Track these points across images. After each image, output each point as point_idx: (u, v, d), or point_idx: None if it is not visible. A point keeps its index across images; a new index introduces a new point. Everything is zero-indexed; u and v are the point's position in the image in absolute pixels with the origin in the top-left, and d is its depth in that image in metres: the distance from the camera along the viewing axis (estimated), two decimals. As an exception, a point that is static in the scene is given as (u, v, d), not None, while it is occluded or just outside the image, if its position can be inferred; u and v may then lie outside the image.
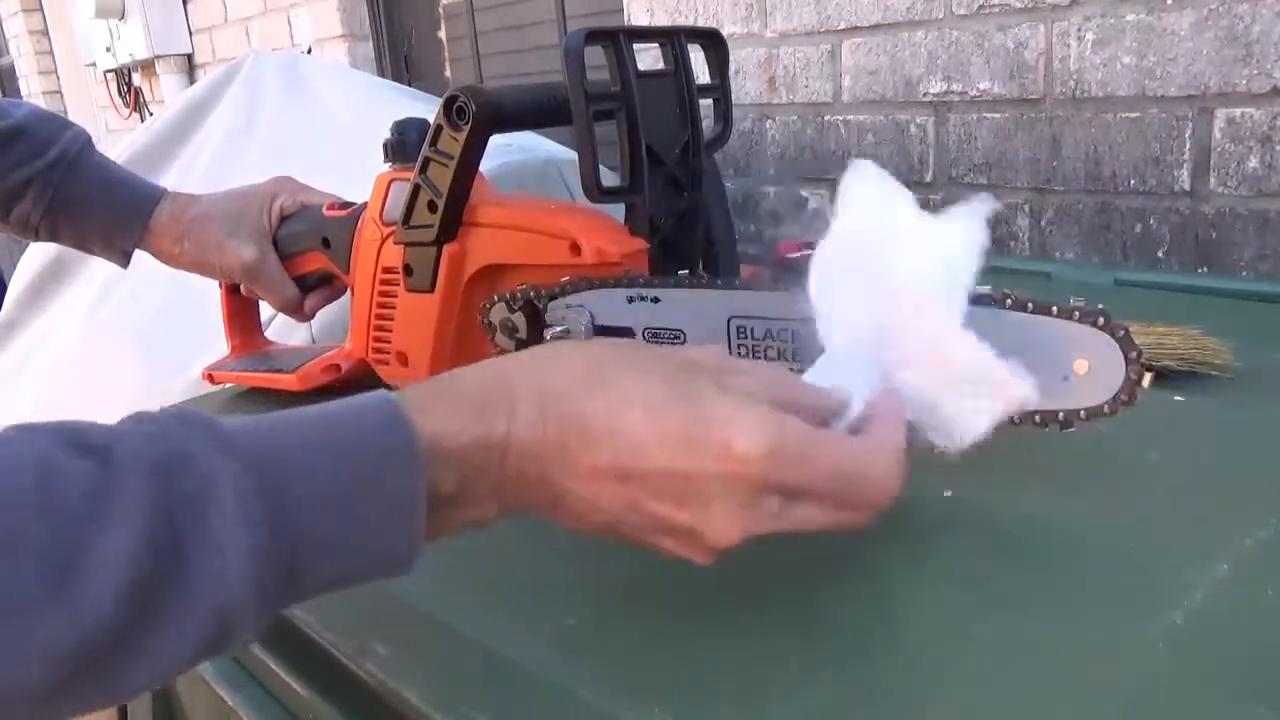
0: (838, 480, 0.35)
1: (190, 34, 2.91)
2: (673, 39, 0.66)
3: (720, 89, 0.70)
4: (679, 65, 0.66)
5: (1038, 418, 0.45)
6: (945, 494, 0.48)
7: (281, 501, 0.29)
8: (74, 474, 0.27)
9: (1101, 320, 0.43)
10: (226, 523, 0.28)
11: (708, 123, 0.69)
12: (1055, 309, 0.44)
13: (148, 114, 3.12)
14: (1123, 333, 0.43)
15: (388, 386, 0.72)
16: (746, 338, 0.52)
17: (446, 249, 0.65)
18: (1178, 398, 0.58)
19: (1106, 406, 0.44)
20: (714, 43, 0.70)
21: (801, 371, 0.44)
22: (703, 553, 0.35)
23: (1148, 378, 0.43)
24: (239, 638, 0.29)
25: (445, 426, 0.33)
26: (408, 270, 0.68)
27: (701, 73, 0.69)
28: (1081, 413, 0.44)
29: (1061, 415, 0.45)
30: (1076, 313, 0.43)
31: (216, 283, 0.83)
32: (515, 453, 0.34)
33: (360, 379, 0.73)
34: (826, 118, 1.29)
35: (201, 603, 0.27)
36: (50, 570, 0.25)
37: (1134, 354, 0.43)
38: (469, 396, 0.34)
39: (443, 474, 0.33)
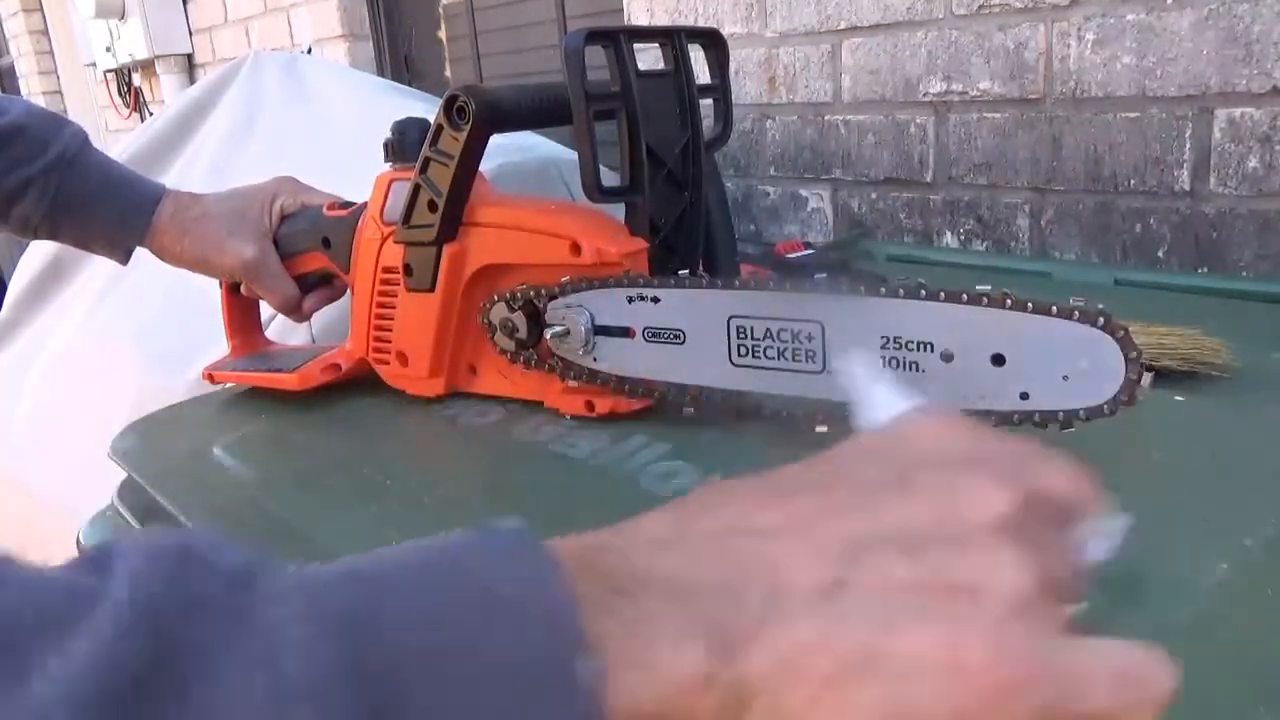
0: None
1: (190, 34, 2.91)
2: (673, 39, 0.66)
3: (720, 89, 0.70)
4: (679, 65, 0.66)
5: (1037, 417, 0.45)
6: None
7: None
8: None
9: (1101, 320, 0.43)
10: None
11: (708, 123, 0.69)
12: (1055, 308, 0.44)
13: (148, 114, 3.12)
14: (1122, 333, 0.43)
15: (388, 387, 0.72)
16: (746, 338, 0.52)
17: (447, 249, 0.65)
18: (1178, 398, 0.58)
19: (1106, 407, 0.44)
20: (714, 43, 0.70)
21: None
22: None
23: (1147, 378, 0.43)
24: None
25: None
26: (408, 270, 0.68)
27: (702, 73, 0.69)
28: (1081, 413, 0.44)
29: (1061, 415, 0.45)
30: (1076, 313, 0.43)
31: (217, 282, 0.83)
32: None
33: (360, 378, 0.73)
34: (826, 118, 1.29)
35: None
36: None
37: (1134, 354, 0.43)
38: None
39: None
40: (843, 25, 1.23)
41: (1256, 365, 0.63)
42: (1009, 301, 0.45)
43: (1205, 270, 0.99)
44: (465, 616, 0.20)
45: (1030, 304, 0.44)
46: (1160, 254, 1.02)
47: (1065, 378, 0.44)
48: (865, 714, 0.20)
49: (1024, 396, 0.45)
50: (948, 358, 0.46)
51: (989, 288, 0.45)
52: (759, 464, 0.54)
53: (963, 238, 1.18)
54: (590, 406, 0.61)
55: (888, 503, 0.23)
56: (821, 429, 0.51)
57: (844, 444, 0.26)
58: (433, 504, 0.53)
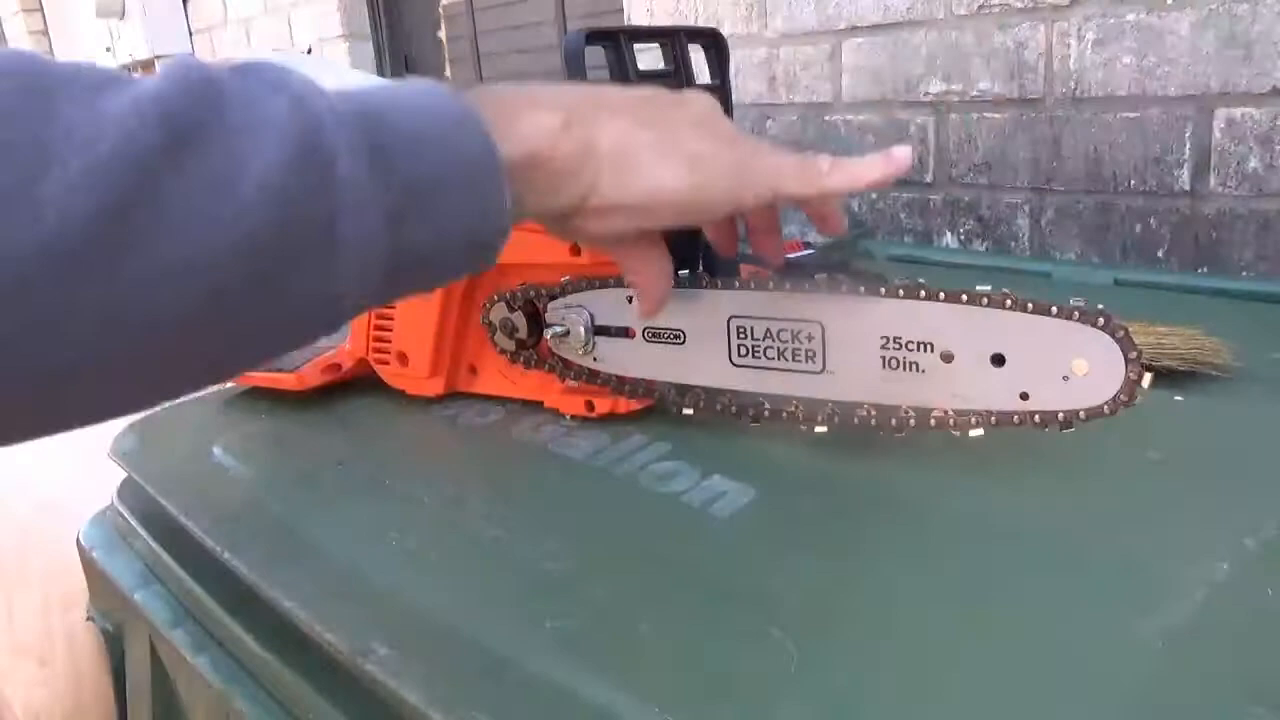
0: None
1: (190, 34, 2.91)
2: (673, 39, 0.66)
3: (721, 89, 0.70)
4: (679, 65, 0.66)
5: (1037, 418, 0.45)
6: (946, 494, 0.48)
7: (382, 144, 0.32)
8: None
9: (1101, 320, 0.43)
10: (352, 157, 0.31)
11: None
12: (1055, 309, 0.44)
13: (148, 114, 3.12)
14: (1122, 333, 0.43)
15: (389, 387, 0.72)
16: (746, 337, 0.52)
17: (447, 249, 0.65)
18: (1178, 398, 0.58)
19: (1106, 406, 0.44)
20: (715, 43, 0.70)
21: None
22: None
23: (1147, 378, 0.43)
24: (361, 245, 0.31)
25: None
26: (408, 270, 0.67)
27: (702, 74, 0.69)
28: (1081, 413, 0.44)
29: (1061, 415, 0.45)
30: (1076, 313, 0.43)
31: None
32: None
33: (360, 379, 0.73)
34: (826, 118, 1.29)
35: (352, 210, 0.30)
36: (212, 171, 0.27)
37: (1134, 354, 0.43)
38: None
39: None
40: (843, 25, 1.23)
41: (1256, 365, 0.63)
42: (1009, 301, 0.45)
43: (1205, 270, 0.99)
44: (437, 129, 0.33)
45: (1030, 304, 0.44)
46: (1160, 254, 1.02)
47: (1065, 378, 0.44)
48: (669, 153, 0.41)
49: (1024, 397, 0.45)
50: (948, 358, 0.46)
51: (989, 288, 0.45)
52: (759, 464, 0.54)
53: (963, 238, 1.18)
54: (590, 406, 0.61)
55: (637, 91, 0.43)
56: (821, 429, 0.51)
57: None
58: (433, 504, 0.53)
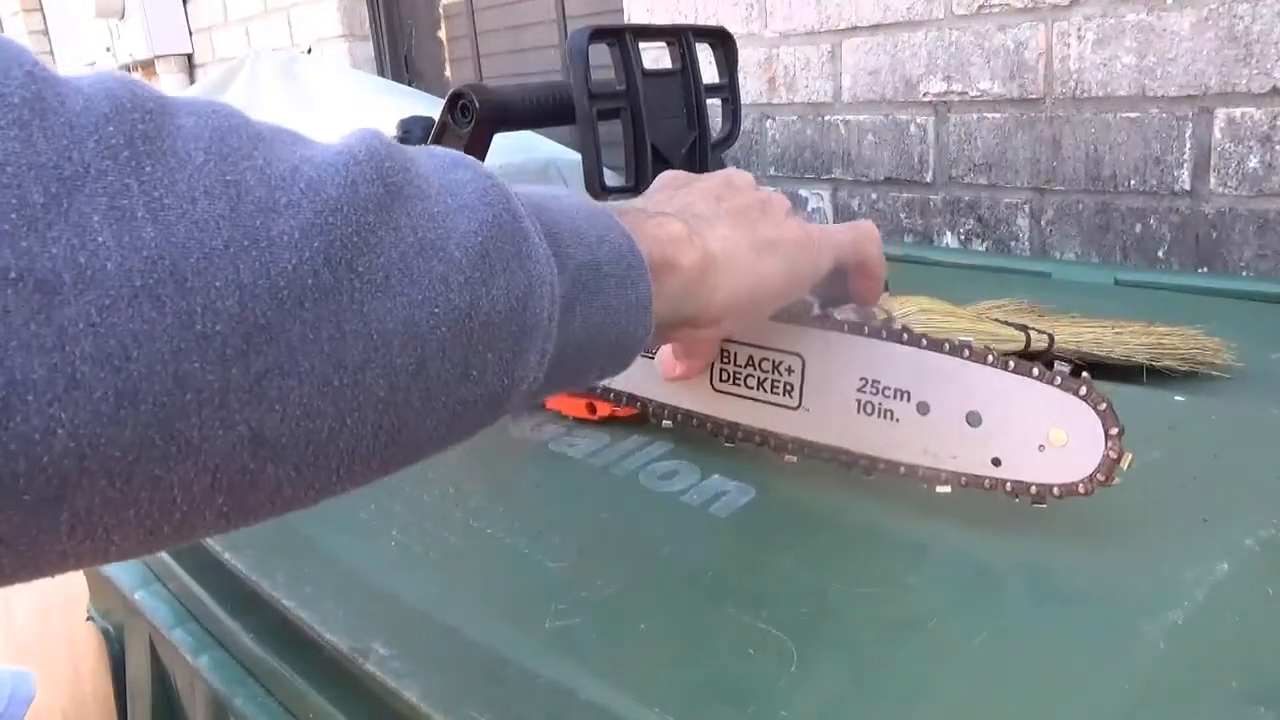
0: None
1: (190, 34, 2.91)
2: (680, 37, 0.66)
3: (729, 88, 0.70)
4: (685, 64, 0.66)
5: (1009, 486, 0.43)
6: (945, 491, 0.48)
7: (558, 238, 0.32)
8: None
9: (1084, 390, 0.40)
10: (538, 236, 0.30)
11: (716, 122, 0.69)
12: (1035, 371, 0.41)
13: (148, 114, 3.12)
14: (1104, 405, 0.40)
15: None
16: (730, 362, 0.51)
17: (448, 249, 0.65)
18: (1178, 398, 0.58)
19: (1082, 485, 0.41)
20: (723, 41, 0.70)
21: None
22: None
23: (1128, 458, 0.40)
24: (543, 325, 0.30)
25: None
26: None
27: (708, 72, 0.69)
28: (1055, 489, 0.42)
29: (1034, 489, 0.42)
30: (1058, 378, 0.41)
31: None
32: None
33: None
34: (826, 118, 1.29)
35: (539, 272, 0.30)
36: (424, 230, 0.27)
37: (1115, 430, 0.40)
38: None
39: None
40: (843, 25, 1.23)
41: (1256, 365, 0.63)
42: (989, 358, 0.43)
43: (1205, 270, 0.99)
44: (591, 224, 0.33)
45: (1010, 363, 0.42)
46: (1160, 254, 1.02)
47: (1040, 448, 0.42)
48: (761, 251, 0.40)
49: (996, 462, 0.43)
50: (924, 409, 0.45)
51: (971, 340, 0.43)
52: (759, 464, 0.54)
53: (963, 238, 1.18)
54: (592, 409, 0.61)
55: (702, 184, 0.43)
56: (790, 459, 0.50)
57: (657, 182, 0.45)
58: (433, 503, 0.53)
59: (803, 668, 0.37)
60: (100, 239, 0.20)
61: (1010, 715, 0.34)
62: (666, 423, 0.56)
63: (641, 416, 0.59)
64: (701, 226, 0.38)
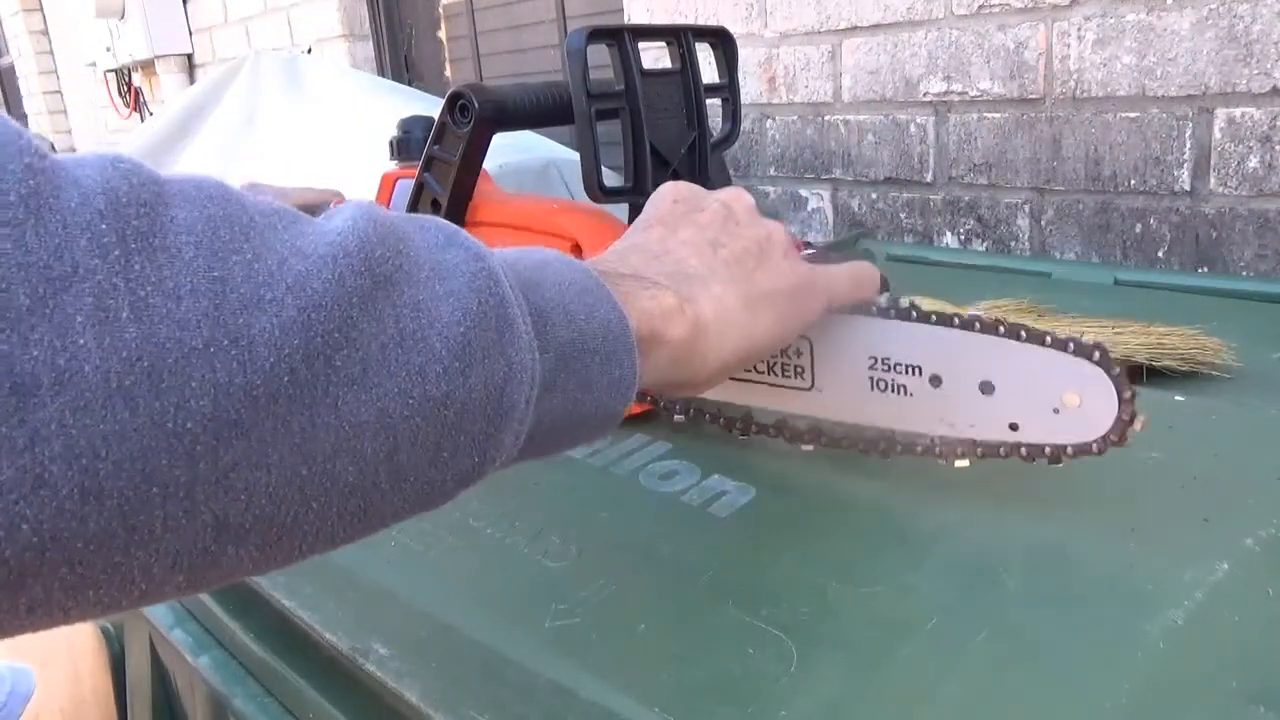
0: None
1: (190, 34, 2.91)
2: (680, 37, 0.66)
3: (729, 88, 0.70)
4: (685, 64, 0.66)
5: (1024, 450, 0.44)
6: (946, 493, 0.48)
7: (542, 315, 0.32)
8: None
9: (1097, 355, 0.41)
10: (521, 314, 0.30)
11: (715, 122, 0.68)
12: (1048, 338, 0.42)
13: (147, 114, 3.12)
14: (1118, 370, 0.41)
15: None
16: None
17: (448, 248, 0.65)
18: (1178, 398, 0.58)
19: (1095, 445, 0.42)
20: (723, 41, 0.70)
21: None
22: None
23: (1140, 420, 0.41)
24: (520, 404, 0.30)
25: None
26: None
27: (708, 72, 0.69)
28: (1069, 449, 0.43)
29: (1048, 450, 0.44)
30: (1071, 344, 0.42)
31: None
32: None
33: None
34: (826, 118, 1.29)
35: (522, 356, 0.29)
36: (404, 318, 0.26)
37: (1128, 393, 0.41)
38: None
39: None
40: (843, 25, 1.23)
41: (1256, 365, 0.63)
42: (1001, 328, 0.43)
43: (1205, 270, 0.99)
44: (581, 299, 0.33)
45: (1023, 332, 0.43)
46: (1160, 254, 1.02)
47: (1056, 411, 0.43)
48: (756, 306, 0.40)
49: (1013, 427, 0.44)
50: (936, 381, 0.45)
51: (981, 313, 0.44)
52: (758, 464, 0.54)
53: (963, 238, 1.18)
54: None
55: (700, 220, 0.42)
56: (807, 448, 0.51)
57: (655, 205, 0.44)
58: (433, 504, 0.53)
59: (803, 668, 0.37)
60: (81, 340, 0.20)
61: (1010, 715, 0.34)
62: (679, 417, 0.56)
63: (652, 411, 0.59)
64: (695, 289, 0.38)
